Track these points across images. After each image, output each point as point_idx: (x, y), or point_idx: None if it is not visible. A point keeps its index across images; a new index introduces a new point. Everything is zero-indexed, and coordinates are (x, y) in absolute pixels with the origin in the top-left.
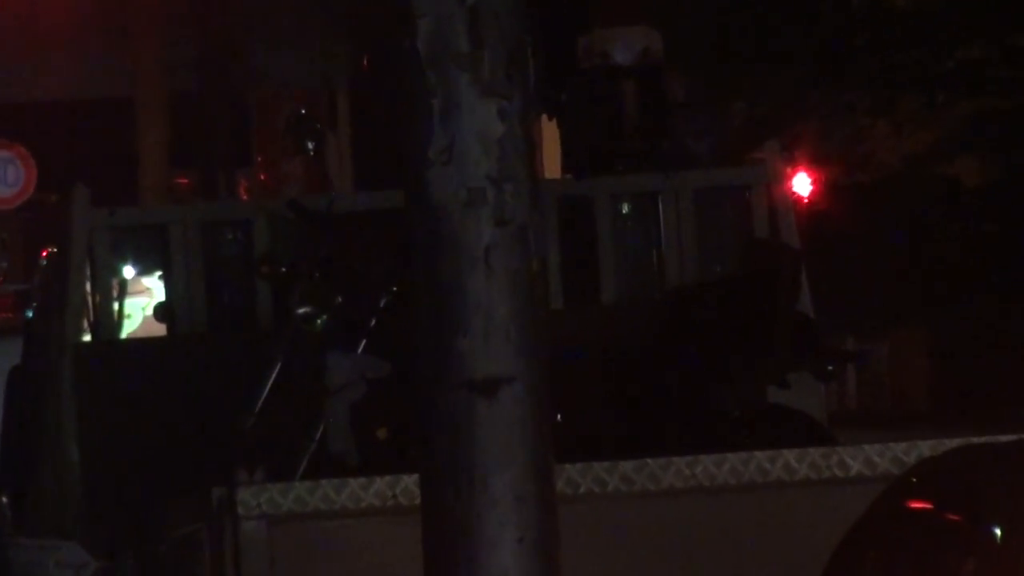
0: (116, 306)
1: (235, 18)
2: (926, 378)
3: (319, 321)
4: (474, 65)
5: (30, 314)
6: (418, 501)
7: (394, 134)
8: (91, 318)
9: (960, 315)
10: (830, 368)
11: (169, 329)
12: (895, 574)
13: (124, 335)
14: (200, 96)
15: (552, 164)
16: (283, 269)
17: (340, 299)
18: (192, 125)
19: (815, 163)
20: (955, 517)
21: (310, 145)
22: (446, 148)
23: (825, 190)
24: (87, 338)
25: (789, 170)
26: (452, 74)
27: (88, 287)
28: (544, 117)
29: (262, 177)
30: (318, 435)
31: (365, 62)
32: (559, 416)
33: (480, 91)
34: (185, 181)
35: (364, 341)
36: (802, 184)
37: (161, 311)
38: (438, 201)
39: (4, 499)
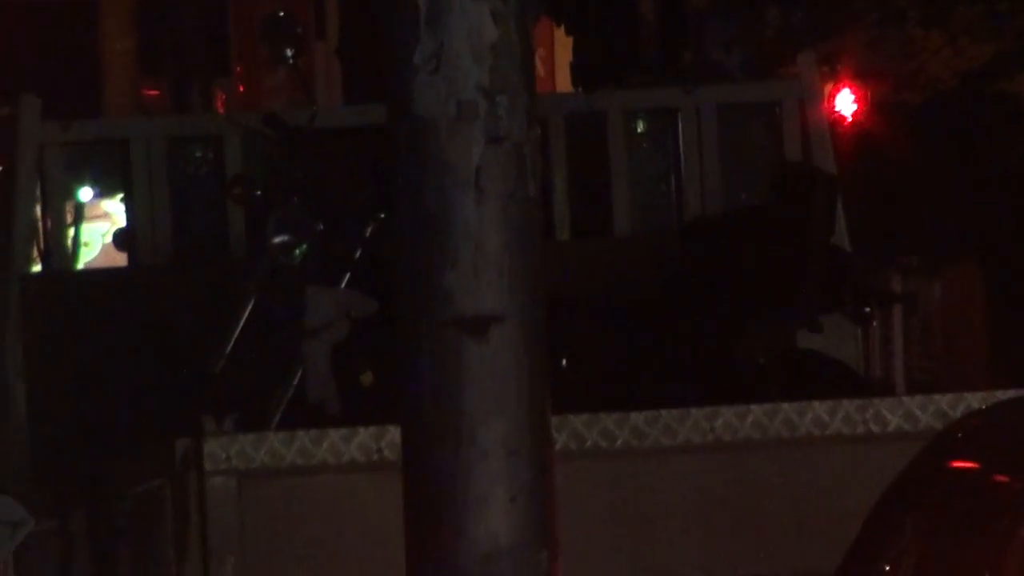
0: (70, 233)
1: None
2: (983, 323)
3: (297, 251)
4: None
5: None
6: None
7: (379, 40)
8: (42, 246)
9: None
10: (868, 309)
11: (130, 259)
12: (936, 540)
13: (79, 265)
14: None
15: (563, 77)
16: (258, 192)
17: (321, 227)
18: (162, 29)
19: (860, 79)
20: (1004, 478)
21: (288, 52)
22: (433, 55)
23: (871, 109)
24: (37, 268)
25: (830, 86)
26: None
27: (38, 211)
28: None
29: (241, 89)
30: (295, 380)
31: None
32: (563, 362)
33: None
34: (155, 93)
35: (348, 275)
36: (845, 102)
37: (121, 238)
38: (423, 114)
39: None
